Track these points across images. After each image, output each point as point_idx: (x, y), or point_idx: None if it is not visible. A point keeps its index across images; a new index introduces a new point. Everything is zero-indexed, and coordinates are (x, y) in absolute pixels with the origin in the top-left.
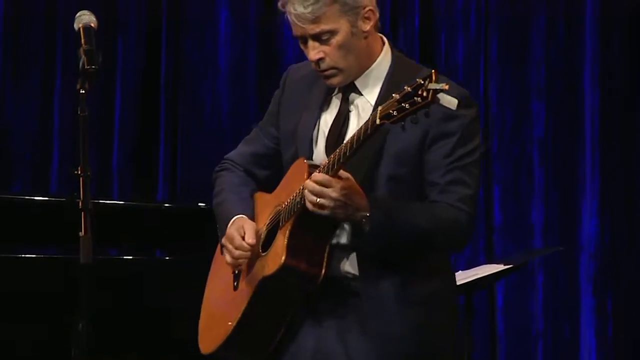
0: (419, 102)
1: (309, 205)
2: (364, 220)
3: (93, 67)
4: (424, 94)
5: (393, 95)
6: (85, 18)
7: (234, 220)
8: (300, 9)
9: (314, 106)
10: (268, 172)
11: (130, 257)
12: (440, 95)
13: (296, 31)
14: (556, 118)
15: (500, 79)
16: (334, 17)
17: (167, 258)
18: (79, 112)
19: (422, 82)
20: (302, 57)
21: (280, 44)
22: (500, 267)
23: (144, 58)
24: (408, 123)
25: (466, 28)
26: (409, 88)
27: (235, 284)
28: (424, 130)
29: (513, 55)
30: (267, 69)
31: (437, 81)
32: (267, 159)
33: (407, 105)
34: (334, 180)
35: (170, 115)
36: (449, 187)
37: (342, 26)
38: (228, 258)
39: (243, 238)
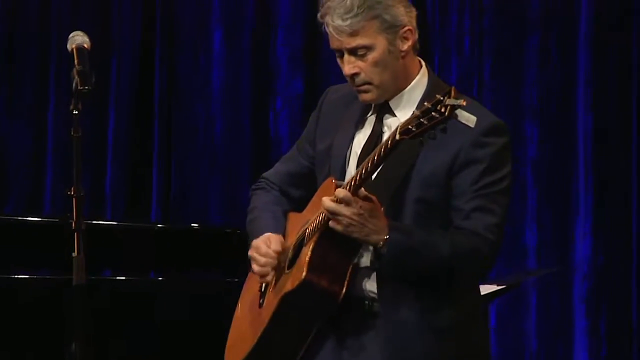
0: (437, 118)
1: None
2: (381, 243)
3: (86, 87)
4: (442, 109)
5: (414, 111)
6: (78, 39)
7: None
8: (338, 22)
9: (349, 126)
10: (303, 191)
11: (124, 278)
12: (458, 112)
13: (333, 44)
14: (549, 139)
15: (493, 101)
16: (371, 33)
17: (161, 279)
18: (72, 133)
19: (441, 98)
20: (295, 75)
21: (273, 64)
22: (493, 288)
23: (137, 78)
24: (427, 139)
25: (460, 49)
26: (428, 104)
27: (261, 301)
28: (453, 155)
29: (506, 76)
30: (261, 89)
31: (455, 98)
32: (302, 178)
33: (425, 120)
34: (352, 199)
35: (163, 135)
36: (474, 214)
37: (379, 43)
38: (255, 267)
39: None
